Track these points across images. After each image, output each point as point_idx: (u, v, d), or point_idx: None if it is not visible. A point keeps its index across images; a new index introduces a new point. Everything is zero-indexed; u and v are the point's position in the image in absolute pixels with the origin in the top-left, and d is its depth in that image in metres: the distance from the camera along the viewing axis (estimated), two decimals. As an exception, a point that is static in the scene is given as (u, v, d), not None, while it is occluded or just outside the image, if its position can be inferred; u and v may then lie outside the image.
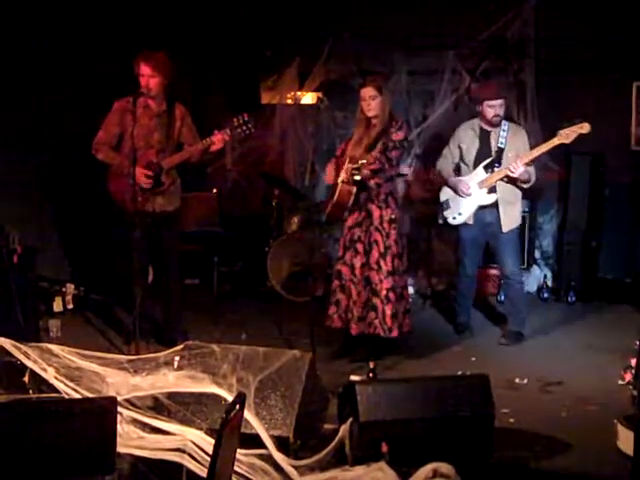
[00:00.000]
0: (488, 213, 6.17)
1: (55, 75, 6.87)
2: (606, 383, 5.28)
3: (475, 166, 6.15)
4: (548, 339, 6.37)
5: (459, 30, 7.61)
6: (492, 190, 6.11)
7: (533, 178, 6.09)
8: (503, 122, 6.13)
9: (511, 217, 6.16)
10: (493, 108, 6.02)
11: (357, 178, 5.50)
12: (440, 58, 7.70)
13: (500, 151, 6.09)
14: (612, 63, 7.24)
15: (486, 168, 6.10)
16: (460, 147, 6.23)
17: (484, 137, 6.15)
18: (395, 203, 5.72)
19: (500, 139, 6.11)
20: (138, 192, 5.47)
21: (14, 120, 6.65)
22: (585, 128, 5.75)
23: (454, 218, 6.23)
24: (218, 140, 5.64)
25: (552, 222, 7.92)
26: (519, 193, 6.18)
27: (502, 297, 7.46)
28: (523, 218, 7.49)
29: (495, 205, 6.12)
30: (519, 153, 6.00)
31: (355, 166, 5.49)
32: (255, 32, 8.13)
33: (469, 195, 6.12)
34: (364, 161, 5.48)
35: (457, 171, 6.32)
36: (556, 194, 7.88)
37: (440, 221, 6.35)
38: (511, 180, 6.05)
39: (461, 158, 6.25)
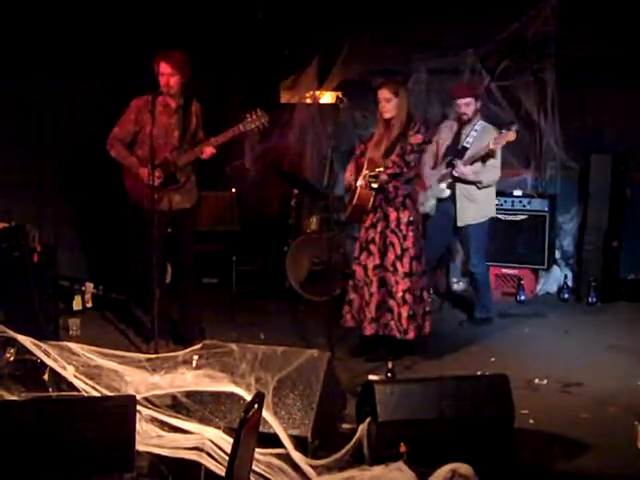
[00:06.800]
0: (452, 206, 6.38)
1: (71, 75, 6.89)
2: (627, 384, 5.24)
3: (442, 161, 6.39)
4: (568, 340, 6.34)
5: (479, 29, 7.58)
6: (450, 185, 6.32)
7: (483, 179, 6.26)
8: (478, 122, 6.33)
9: (468, 212, 6.34)
10: (459, 106, 6.31)
11: (374, 186, 5.54)
12: (460, 57, 7.68)
13: (464, 150, 6.30)
14: (634, 62, 7.18)
15: (448, 164, 6.32)
16: (437, 142, 6.46)
17: (457, 134, 6.40)
18: (413, 205, 5.69)
19: (468, 138, 6.31)
20: (154, 190, 5.41)
21: (31, 119, 6.68)
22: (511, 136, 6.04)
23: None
24: (221, 139, 5.64)
25: (572, 222, 7.87)
26: (483, 191, 6.32)
27: (521, 297, 7.45)
28: (543, 218, 7.50)
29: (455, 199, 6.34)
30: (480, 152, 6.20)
31: (372, 174, 5.51)
32: (274, 32, 8.13)
33: (427, 188, 6.39)
34: (381, 169, 5.51)
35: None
36: (577, 194, 7.83)
37: None
38: (460, 179, 6.25)
39: (437, 152, 6.47)
